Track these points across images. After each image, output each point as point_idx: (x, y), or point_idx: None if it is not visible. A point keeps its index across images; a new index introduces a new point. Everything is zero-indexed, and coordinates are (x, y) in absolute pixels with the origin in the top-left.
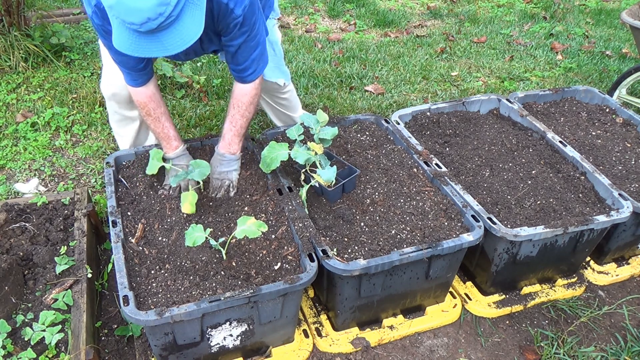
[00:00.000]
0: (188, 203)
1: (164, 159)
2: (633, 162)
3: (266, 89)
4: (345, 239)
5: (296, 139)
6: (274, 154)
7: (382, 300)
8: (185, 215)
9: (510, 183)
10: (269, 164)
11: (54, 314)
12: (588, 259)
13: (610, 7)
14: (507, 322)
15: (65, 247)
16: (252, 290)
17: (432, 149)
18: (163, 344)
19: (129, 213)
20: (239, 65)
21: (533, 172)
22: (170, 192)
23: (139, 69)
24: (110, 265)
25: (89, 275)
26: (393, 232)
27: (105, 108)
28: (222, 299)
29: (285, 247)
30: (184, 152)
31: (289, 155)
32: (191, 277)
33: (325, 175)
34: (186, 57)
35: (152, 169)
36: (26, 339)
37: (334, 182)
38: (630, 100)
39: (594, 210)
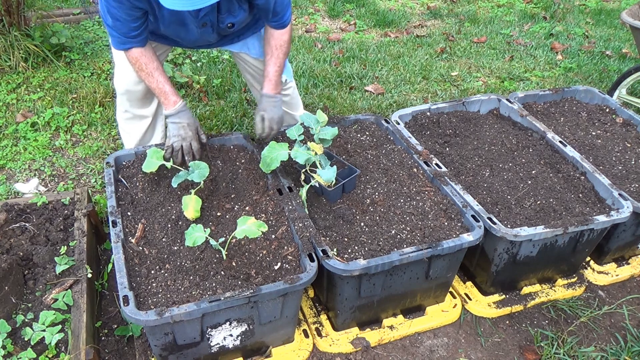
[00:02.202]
0: (192, 209)
1: (166, 117)
2: (633, 162)
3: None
4: (345, 239)
5: (296, 139)
6: (274, 154)
7: (382, 300)
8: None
9: (510, 183)
10: (269, 164)
11: (54, 314)
12: (588, 259)
13: (610, 7)
14: (507, 322)
15: (65, 247)
16: (252, 290)
17: (432, 149)
18: (163, 344)
19: (129, 213)
20: (278, 14)
21: (533, 172)
22: (172, 156)
23: (132, 36)
24: (110, 265)
25: (89, 275)
26: (393, 232)
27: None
28: (222, 299)
29: (285, 247)
30: (183, 108)
31: (289, 155)
32: (191, 277)
33: (325, 175)
34: (201, 34)
35: (150, 166)
36: (26, 339)
37: (334, 182)
38: (630, 100)
39: (594, 210)
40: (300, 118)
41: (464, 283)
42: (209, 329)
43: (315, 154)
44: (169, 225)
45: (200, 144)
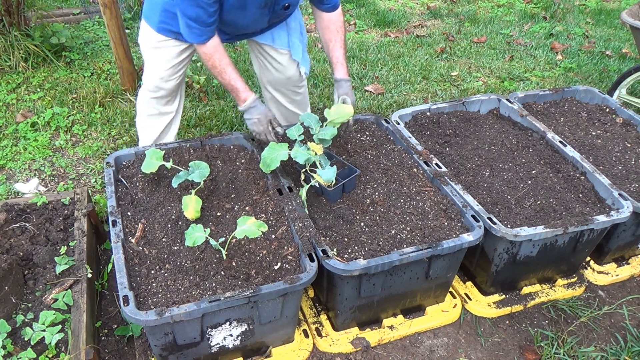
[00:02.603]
0: (192, 209)
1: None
2: (633, 162)
3: (285, 82)
4: (345, 239)
5: (296, 139)
6: (274, 154)
7: (382, 300)
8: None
9: (510, 183)
10: (269, 164)
11: (54, 314)
12: (588, 259)
13: (610, 7)
14: (507, 322)
15: (65, 247)
16: (252, 290)
17: (432, 149)
18: (163, 344)
19: (129, 213)
20: None
21: (533, 172)
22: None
23: (209, 24)
24: (110, 265)
25: (89, 275)
26: (393, 232)
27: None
28: (222, 299)
29: (285, 247)
30: (253, 104)
31: (289, 155)
32: (191, 277)
33: (325, 175)
34: (257, 18)
35: (149, 167)
36: (26, 339)
37: (334, 182)
38: (630, 100)
39: (594, 210)
40: (300, 118)
41: (464, 283)
42: (209, 329)
43: (315, 154)
44: (169, 225)
45: (276, 136)
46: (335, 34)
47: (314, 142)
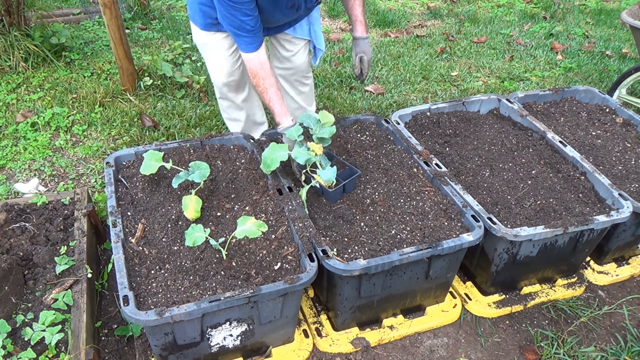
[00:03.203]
0: (192, 209)
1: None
2: (633, 162)
3: (293, 72)
4: (345, 239)
5: (296, 139)
6: (274, 155)
7: (382, 300)
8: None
9: (510, 183)
10: (269, 165)
11: (54, 314)
12: (588, 259)
13: (610, 7)
14: (507, 322)
15: (65, 247)
16: (252, 290)
17: (432, 149)
18: (163, 344)
19: (129, 213)
20: None
21: (533, 172)
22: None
23: (254, 31)
24: (110, 265)
25: (89, 275)
26: (393, 232)
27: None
28: (222, 299)
29: (285, 247)
30: (286, 131)
31: (289, 155)
32: (191, 277)
33: (326, 175)
34: (288, 11)
35: (148, 169)
36: (26, 339)
37: (334, 183)
38: (630, 100)
39: (594, 210)
40: (299, 118)
41: (464, 283)
42: (209, 329)
43: (315, 154)
44: (169, 225)
45: (299, 168)
46: None
47: (314, 141)
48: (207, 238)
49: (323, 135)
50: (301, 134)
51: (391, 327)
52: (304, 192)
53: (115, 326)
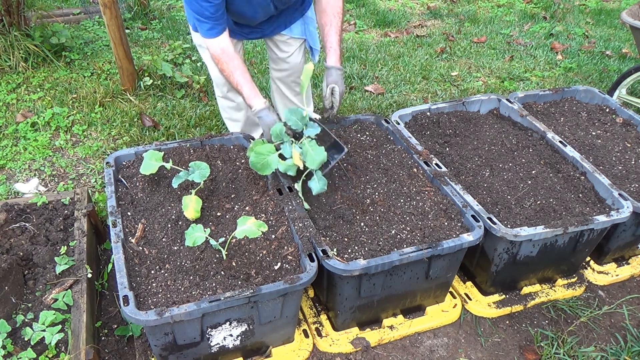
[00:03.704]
0: (192, 209)
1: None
2: (633, 162)
3: (290, 73)
4: (345, 239)
5: (282, 140)
6: (263, 161)
7: (382, 300)
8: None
9: (510, 183)
10: (261, 169)
11: (54, 314)
12: (588, 259)
13: (610, 7)
14: (507, 322)
15: (65, 247)
16: (252, 290)
17: (432, 149)
18: (163, 344)
19: (129, 213)
20: None
21: (533, 172)
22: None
23: (214, 18)
24: (110, 265)
25: (89, 275)
26: (393, 232)
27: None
28: (222, 299)
29: (285, 247)
30: (259, 114)
31: (280, 159)
32: (191, 277)
33: (316, 187)
34: (263, 8)
35: (148, 169)
36: (26, 339)
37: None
38: (630, 100)
39: (594, 210)
40: (284, 114)
41: (464, 283)
42: (209, 329)
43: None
44: (169, 225)
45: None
46: (332, 18)
47: (300, 139)
48: (207, 238)
49: (310, 134)
50: (285, 132)
51: (391, 327)
52: (299, 187)
53: (115, 326)
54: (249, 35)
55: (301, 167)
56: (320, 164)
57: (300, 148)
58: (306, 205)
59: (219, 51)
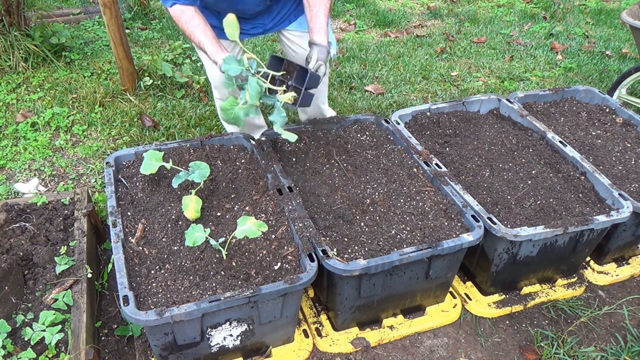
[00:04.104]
0: (192, 209)
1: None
2: (633, 162)
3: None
4: (345, 239)
5: (243, 74)
6: (231, 115)
7: (382, 300)
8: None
9: (510, 183)
10: (235, 122)
11: (54, 314)
12: (588, 259)
13: (610, 7)
14: (507, 322)
15: (65, 247)
16: (252, 290)
17: (432, 149)
18: (163, 344)
19: (129, 213)
20: None
21: (533, 172)
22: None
23: None
24: (110, 265)
25: (89, 275)
26: (393, 232)
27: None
28: (222, 299)
29: (285, 247)
30: (223, 69)
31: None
32: (191, 277)
33: (276, 119)
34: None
35: (148, 168)
36: (26, 339)
37: (294, 96)
38: (630, 100)
39: (594, 210)
40: (222, 66)
41: (464, 283)
42: (209, 329)
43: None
44: (169, 225)
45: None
46: (317, 0)
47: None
48: (207, 238)
49: (253, 66)
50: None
51: (391, 327)
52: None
53: (115, 326)
54: (250, 31)
55: (253, 102)
56: (258, 96)
57: (243, 89)
58: (283, 133)
59: (178, 12)
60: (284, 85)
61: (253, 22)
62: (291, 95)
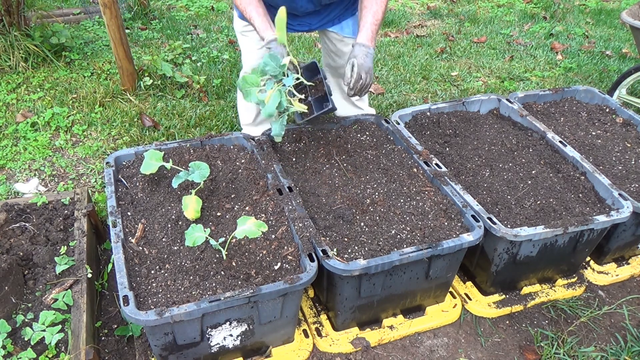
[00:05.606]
0: (192, 209)
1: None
2: (633, 162)
3: (343, 67)
4: (345, 239)
5: (272, 78)
6: (247, 88)
7: (382, 300)
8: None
9: (510, 183)
10: (245, 95)
11: (54, 314)
12: (588, 259)
13: (610, 7)
14: (507, 322)
15: (65, 247)
16: (252, 290)
17: (432, 149)
18: (163, 344)
19: (129, 213)
20: None
21: (533, 172)
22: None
23: None
24: (110, 265)
25: (89, 275)
26: (393, 232)
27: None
28: (222, 299)
29: (285, 247)
30: (269, 45)
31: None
32: (191, 277)
33: (274, 129)
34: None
35: (148, 168)
36: (26, 339)
37: (305, 113)
38: (630, 100)
39: (594, 210)
40: (264, 60)
41: (464, 283)
42: (209, 329)
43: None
44: (169, 225)
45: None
46: (372, 3)
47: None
48: (207, 238)
49: (286, 83)
50: (267, 71)
51: (391, 327)
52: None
53: (115, 326)
54: (296, 27)
55: (268, 112)
56: (269, 116)
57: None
58: (277, 133)
59: None
60: (304, 95)
61: (301, 19)
62: (304, 108)
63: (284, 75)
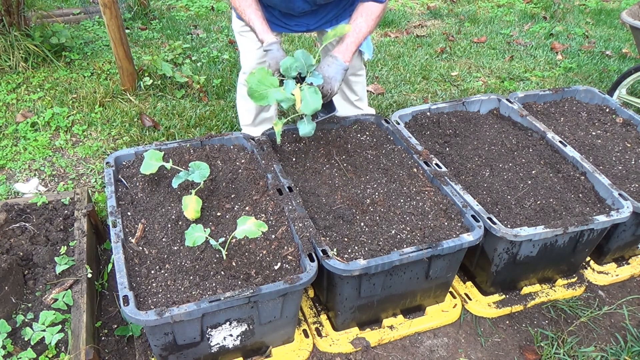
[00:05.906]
0: (192, 209)
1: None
2: (633, 162)
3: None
4: (345, 239)
5: (289, 78)
6: (263, 90)
7: (382, 300)
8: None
9: (510, 183)
10: (257, 98)
11: (54, 314)
12: (588, 259)
13: (610, 7)
14: (507, 322)
15: (65, 247)
16: (252, 290)
17: (432, 149)
18: (163, 344)
19: (129, 213)
20: None
21: (533, 172)
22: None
23: None
24: (110, 265)
25: (89, 275)
26: (393, 232)
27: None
28: (222, 299)
29: (285, 247)
30: (268, 47)
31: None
32: (191, 277)
33: (304, 129)
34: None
35: (148, 168)
36: (26, 339)
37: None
38: (630, 100)
39: (594, 210)
40: (296, 55)
41: (464, 283)
42: (209, 329)
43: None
44: (169, 225)
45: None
46: (360, 14)
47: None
48: (207, 238)
49: (314, 81)
50: (295, 67)
51: (391, 327)
52: (280, 124)
53: (115, 326)
54: (293, 28)
55: (297, 107)
56: (313, 112)
57: (301, 90)
58: (279, 140)
59: None
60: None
61: (298, 20)
62: (298, 98)
63: (307, 74)
